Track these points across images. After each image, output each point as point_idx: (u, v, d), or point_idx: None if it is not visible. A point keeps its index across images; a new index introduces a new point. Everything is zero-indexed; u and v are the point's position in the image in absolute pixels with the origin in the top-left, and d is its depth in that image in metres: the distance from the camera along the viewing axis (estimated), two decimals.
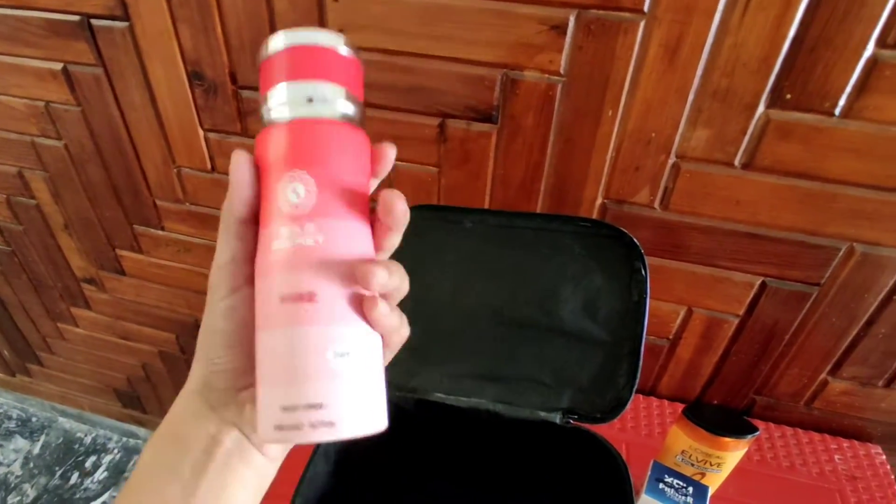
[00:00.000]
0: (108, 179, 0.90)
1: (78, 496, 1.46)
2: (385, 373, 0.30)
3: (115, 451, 1.60)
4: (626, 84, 0.60)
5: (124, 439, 1.61)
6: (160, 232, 0.94)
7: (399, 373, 0.60)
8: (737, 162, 0.61)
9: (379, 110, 0.69)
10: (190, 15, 0.68)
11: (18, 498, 1.46)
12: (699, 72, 0.58)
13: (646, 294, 0.56)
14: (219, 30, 0.69)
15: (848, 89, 0.55)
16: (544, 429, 0.57)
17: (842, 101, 0.56)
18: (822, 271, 0.66)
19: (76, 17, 0.73)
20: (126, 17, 0.71)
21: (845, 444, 0.81)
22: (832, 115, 0.57)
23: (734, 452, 0.60)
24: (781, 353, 0.76)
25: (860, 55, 0.53)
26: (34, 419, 1.65)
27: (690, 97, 0.59)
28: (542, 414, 0.57)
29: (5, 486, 1.48)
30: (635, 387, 0.55)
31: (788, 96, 0.57)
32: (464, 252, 0.60)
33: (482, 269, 0.59)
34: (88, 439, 1.62)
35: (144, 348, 1.20)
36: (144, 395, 1.34)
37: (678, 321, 0.76)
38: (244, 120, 0.76)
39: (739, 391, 0.82)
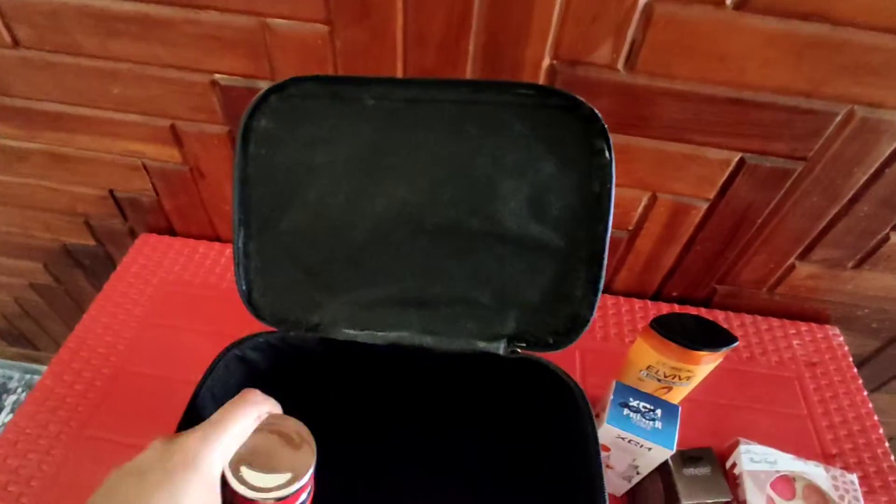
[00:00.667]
0: None
1: None
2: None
3: (19, 389, 1.43)
4: None
5: (27, 377, 1.44)
6: None
7: (297, 307, 0.46)
8: (728, 0, 0.46)
9: None
10: None
11: None
12: None
13: (610, 183, 0.42)
14: None
15: None
16: (486, 360, 0.45)
17: None
18: (813, 142, 0.55)
19: None
20: None
21: (804, 327, 0.76)
22: None
23: (707, 365, 0.51)
24: (750, 239, 0.66)
25: None
26: None
27: None
28: (482, 344, 0.45)
29: None
30: (597, 301, 0.44)
31: None
32: (366, 140, 0.43)
33: (392, 162, 0.43)
34: None
35: (11, 281, 0.99)
36: (30, 332, 1.16)
37: (640, 210, 0.65)
38: None
39: (701, 282, 0.74)
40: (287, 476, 0.33)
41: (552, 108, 0.42)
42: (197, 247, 0.79)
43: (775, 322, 0.76)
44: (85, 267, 0.92)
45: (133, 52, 0.58)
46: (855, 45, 0.48)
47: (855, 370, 0.71)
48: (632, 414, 0.48)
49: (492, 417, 0.49)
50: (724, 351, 0.49)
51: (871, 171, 0.57)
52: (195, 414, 0.40)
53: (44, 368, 1.33)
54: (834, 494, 0.57)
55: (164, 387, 0.62)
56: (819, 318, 0.76)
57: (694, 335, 0.49)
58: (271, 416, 0.36)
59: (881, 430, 0.66)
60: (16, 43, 0.58)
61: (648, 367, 0.52)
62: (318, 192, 0.45)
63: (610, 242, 0.69)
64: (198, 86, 0.60)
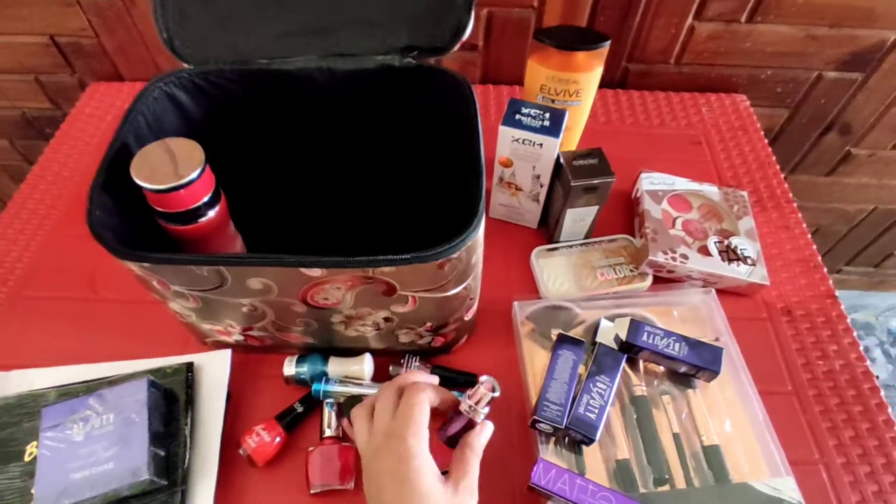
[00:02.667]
0: None
1: None
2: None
3: None
4: None
5: None
6: None
7: (214, 48, 0.52)
8: None
9: None
10: None
11: None
12: None
13: None
14: None
15: None
16: (385, 74, 0.51)
17: None
18: None
19: None
20: None
21: (713, 97, 0.82)
22: None
23: (589, 74, 0.57)
24: (648, 2, 0.71)
25: None
26: None
27: None
28: (379, 58, 0.51)
29: None
30: (473, 5, 0.49)
31: None
32: None
33: None
34: None
35: None
36: None
37: None
38: None
39: (612, 60, 0.79)
40: (179, 175, 0.43)
41: None
42: None
43: (686, 95, 0.82)
44: (48, 137, 0.96)
45: None
46: None
47: (757, 124, 0.78)
48: (523, 118, 0.55)
49: (396, 127, 0.55)
50: (599, 49, 0.55)
51: None
52: (122, 140, 0.45)
53: None
54: (724, 206, 0.65)
55: None
56: (727, 87, 0.82)
57: (571, 41, 0.55)
58: (167, 140, 0.45)
59: (777, 167, 0.73)
60: None
61: (541, 88, 0.58)
62: None
63: (519, 26, 0.74)
64: None
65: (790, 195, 0.70)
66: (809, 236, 0.66)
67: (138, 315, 0.59)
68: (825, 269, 0.64)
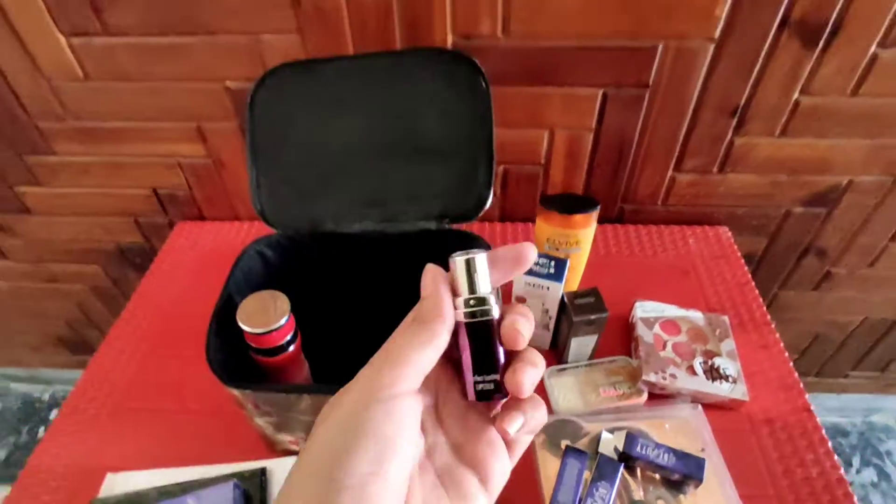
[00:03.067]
0: None
1: None
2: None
3: None
4: None
5: None
6: (52, 158, 0.95)
7: (295, 215, 0.68)
8: None
9: None
10: None
11: None
12: None
13: (489, 102, 0.64)
14: None
15: None
16: (424, 237, 0.67)
17: None
18: (649, 72, 0.77)
19: None
20: None
21: (698, 229, 0.96)
22: None
23: (585, 230, 0.72)
24: (634, 158, 0.88)
25: None
26: None
27: None
28: (420, 224, 0.66)
29: None
30: (492, 184, 0.65)
31: None
32: (332, 96, 0.66)
33: (350, 108, 0.66)
34: (47, 396, 1.65)
35: (74, 288, 1.22)
36: (90, 338, 1.38)
37: (545, 145, 0.86)
38: (102, 14, 0.76)
39: (609, 202, 0.94)
40: (272, 321, 0.57)
41: (448, 60, 0.65)
42: (222, 226, 1.02)
43: (675, 228, 0.96)
44: (136, 265, 1.15)
45: (167, 72, 0.82)
46: None
47: (738, 253, 0.91)
48: (533, 266, 0.69)
49: None
50: (591, 213, 0.70)
51: (699, 86, 0.78)
52: (228, 292, 0.61)
53: None
54: (708, 329, 0.77)
55: None
56: (710, 221, 0.96)
57: (569, 206, 0.70)
58: (262, 293, 0.60)
59: (756, 292, 0.85)
60: (86, 76, 0.83)
61: (548, 240, 0.73)
62: (304, 134, 0.68)
63: (530, 179, 0.91)
64: (215, 92, 0.83)
65: (768, 317, 0.81)
66: (786, 354, 0.77)
67: (217, 424, 0.71)
68: (801, 385, 0.73)
